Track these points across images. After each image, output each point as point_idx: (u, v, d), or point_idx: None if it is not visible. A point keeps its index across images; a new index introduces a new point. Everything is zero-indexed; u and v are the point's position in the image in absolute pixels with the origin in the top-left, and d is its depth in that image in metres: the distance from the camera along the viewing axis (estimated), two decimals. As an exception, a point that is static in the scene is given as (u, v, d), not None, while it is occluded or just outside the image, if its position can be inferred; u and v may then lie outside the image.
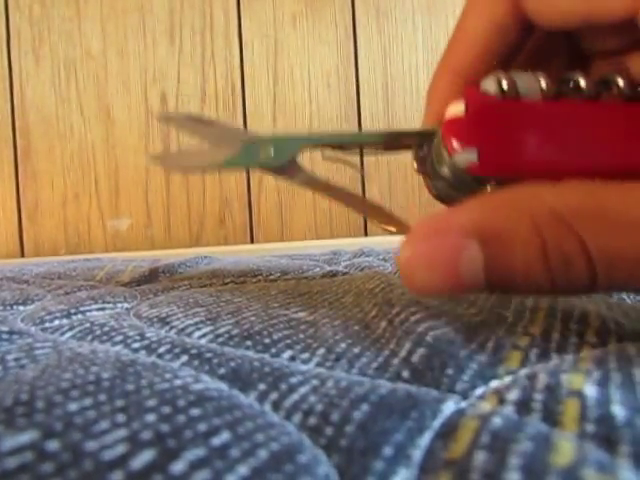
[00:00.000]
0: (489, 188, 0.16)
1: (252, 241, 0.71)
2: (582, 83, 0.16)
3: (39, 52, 0.69)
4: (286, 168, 0.20)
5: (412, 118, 0.73)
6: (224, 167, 0.20)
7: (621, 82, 0.16)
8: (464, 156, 0.16)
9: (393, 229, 0.19)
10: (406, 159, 0.20)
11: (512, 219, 0.14)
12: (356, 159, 0.21)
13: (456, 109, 0.16)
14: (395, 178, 0.69)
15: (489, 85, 0.17)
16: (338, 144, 0.20)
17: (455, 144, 0.16)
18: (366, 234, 0.71)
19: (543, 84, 0.16)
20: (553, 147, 0.15)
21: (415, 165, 0.19)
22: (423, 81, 0.73)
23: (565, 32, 0.19)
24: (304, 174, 0.20)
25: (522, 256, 0.14)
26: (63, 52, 0.69)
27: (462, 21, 0.19)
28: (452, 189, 0.18)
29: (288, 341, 0.15)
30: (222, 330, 0.16)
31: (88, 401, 0.10)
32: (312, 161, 0.20)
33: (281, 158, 0.20)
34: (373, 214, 0.20)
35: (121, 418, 0.10)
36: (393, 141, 0.20)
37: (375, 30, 0.73)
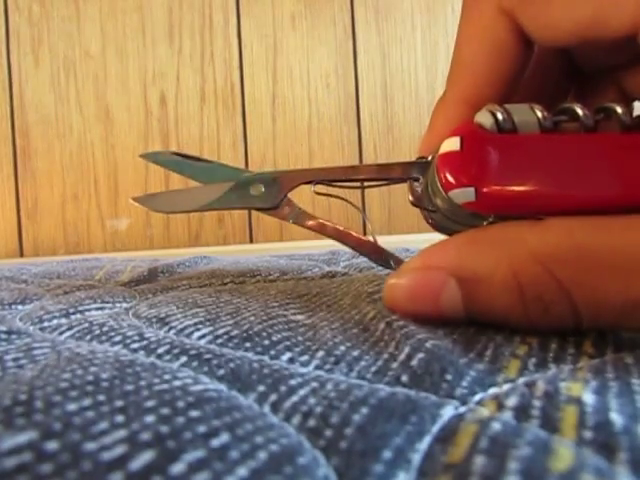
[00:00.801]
0: (485, 223, 0.16)
1: (251, 241, 0.71)
2: (580, 113, 0.16)
3: (38, 52, 0.69)
4: (277, 206, 0.20)
5: (411, 118, 0.73)
6: (210, 208, 0.20)
7: (620, 111, 0.15)
8: (461, 193, 0.15)
9: (390, 265, 0.20)
10: (404, 187, 0.20)
11: (490, 260, 0.14)
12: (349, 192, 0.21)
13: (451, 143, 0.16)
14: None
15: (484, 118, 0.16)
16: (331, 180, 0.20)
17: (451, 180, 0.15)
18: (365, 234, 0.71)
19: (539, 115, 0.16)
20: (552, 181, 0.15)
21: (410, 197, 0.19)
22: (422, 81, 0.73)
23: (563, 49, 0.19)
24: (297, 211, 0.20)
25: (499, 298, 0.14)
26: (62, 52, 0.69)
27: (461, 45, 0.19)
28: (449, 221, 0.17)
29: (287, 343, 0.15)
30: (221, 331, 0.16)
31: (87, 401, 0.10)
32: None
33: (272, 197, 0.20)
34: (369, 252, 0.20)
35: (120, 419, 0.10)
36: (386, 174, 0.19)
37: (374, 30, 0.73)
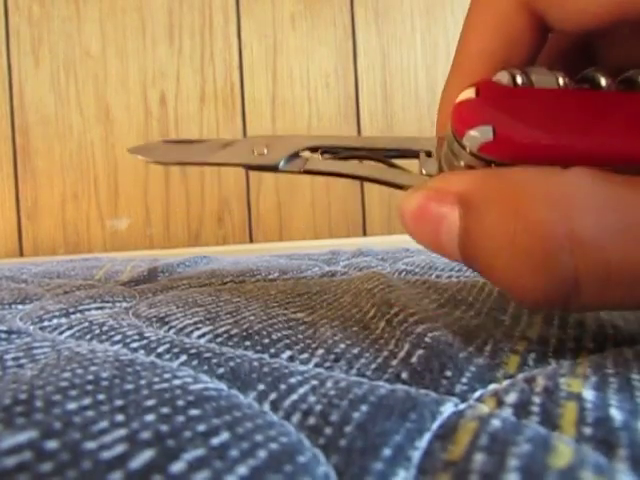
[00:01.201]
0: None
1: (251, 241, 0.71)
2: (602, 82, 0.15)
3: (38, 52, 0.69)
4: (278, 166, 0.18)
5: (411, 118, 0.73)
6: (209, 163, 0.19)
7: None
8: (478, 133, 0.14)
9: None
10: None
11: (497, 193, 0.13)
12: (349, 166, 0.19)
13: (466, 93, 0.15)
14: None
15: (502, 76, 0.15)
16: (340, 147, 0.19)
17: (467, 120, 0.14)
18: (365, 234, 0.71)
19: (560, 81, 0.15)
20: (572, 130, 0.14)
21: (423, 171, 0.17)
22: (422, 81, 0.73)
23: (583, 40, 0.18)
24: (302, 162, 0.19)
25: (492, 237, 0.13)
26: (62, 52, 0.69)
27: (469, 34, 0.18)
28: None
29: (287, 341, 0.15)
30: (221, 330, 0.16)
31: (87, 400, 0.10)
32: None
33: (274, 156, 0.19)
34: (394, 178, 0.18)
35: (120, 418, 0.10)
36: (399, 148, 0.18)
37: (374, 30, 0.73)
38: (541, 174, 0.13)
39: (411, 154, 0.18)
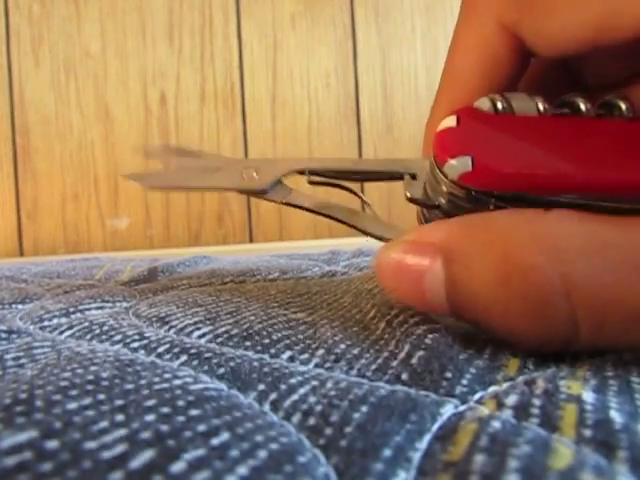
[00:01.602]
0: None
1: (251, 241, 0.71)
2: (582, 107, 0.15)
3: (39, 52, 0.69)
4: (267, 190, 0.19)
5: (411, 118, 0.73)
6: (199, 188, 0.20)
7: (624, 106, 0.15)
8: (457, 163, 0.14)
9: (389, 237, 0.18)
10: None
11: (483, 241, 0.13)
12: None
13: (447, 122, 0.15)
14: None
15: (482, 103, 0.16)
16: (326, 170, 0.19)
17: (447, 150, 0.15)
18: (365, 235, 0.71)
19: (540, 106, 0.15)
20: (551, 159, 0.14)
21: (408, 194, 0.18)
22: (422, 81, 0.73)
23: (564, 61, 0.18)
24: (288, 193, 0.19)
25: (484, 287, 0.13)
26: (62, 52, 0.69)
27: (454, 56, 0.18)
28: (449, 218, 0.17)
29: (287, 341, 0.15)
30: (221, 330, 0.16)
31: (87, 400, 0.10)
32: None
33: (263, 180, 0.19)
34: (368, 227, 0.19)
35: (120, 417, 0.10)
36: (384, 168, 0.19)
37: (374, 30, 0.73)
38: (523, 217, 0.13)
39: (397, 176, 0.18)
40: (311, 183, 0.19)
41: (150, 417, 0.10)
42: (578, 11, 0.14)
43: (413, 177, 0.18)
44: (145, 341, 0.15)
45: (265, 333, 0.16)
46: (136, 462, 0.08)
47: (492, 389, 0.12)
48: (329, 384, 0.12)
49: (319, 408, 0.11)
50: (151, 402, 0.10)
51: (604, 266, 0.11)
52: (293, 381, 0.12)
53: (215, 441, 0.09)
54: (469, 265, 0.13)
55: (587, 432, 0.09)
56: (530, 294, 0.12)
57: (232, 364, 0.13)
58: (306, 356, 0.14)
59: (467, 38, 0.17)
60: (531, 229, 0.12)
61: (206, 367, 0.13)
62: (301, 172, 0.19)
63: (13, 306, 0.23)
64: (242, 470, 0.08)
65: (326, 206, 0.19)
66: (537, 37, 0.16)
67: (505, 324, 0.13)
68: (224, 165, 0.20)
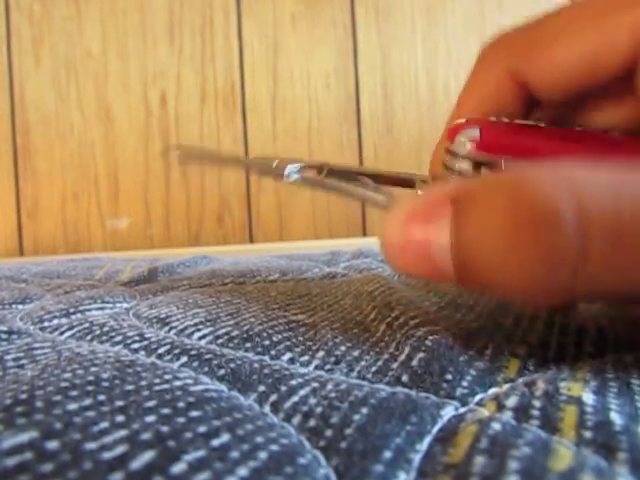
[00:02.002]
0: None
1: (251, 241, 0.71)
2: None
3: (39, 51, 0.69)
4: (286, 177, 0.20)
5: (411, 118, 0.73)
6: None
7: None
8: (465, 135, 0.16)
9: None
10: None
11: (490, 187, 0.12)
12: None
13: (457, 121, 0.17)
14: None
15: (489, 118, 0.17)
16: (342, 172, 0.20)
17: (458, 128, 0.16)
18: (364, 234, 0.71)
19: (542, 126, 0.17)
20: (551, 140, 0.16)
21: (419, 193, 0.19)
22: (422, 81, 0.73)
23: (567, 106, 0.19)
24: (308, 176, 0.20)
25: (490, 230, 0.12)
26: (63, 52, 0.69)
27: (464, 95, 0.19)
28: None
29: (288, 343, 0.15)
30: (222, 331, 0.16)
31: (87, 401, 0.10)
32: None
33: (281, 168, 0.20)
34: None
35: (121, 418, 0.10)
36: (394, 182, 0.19)
37: (374, 30, 0.73)
38: (532, 165, 0.12)
39: (408, 183, 0.19)
40: (305, 181, 0.20)
41: (150, 418, 0.10)
42: (573, 45, 0.16)
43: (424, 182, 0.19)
44: (145, 342, 0.15)
45: (265, 335, 0.16)
46: (136, 463, 0.08)
47: (492, 391, 0.12)
48: (329, 386, 0.12)
49: (319, 410, 0.11)
50: (151, 403, 0.10)
51: (618, 194, 0.11)
52: (293, 383, 0.12)
53: (215, 442, 0.09)
54: (478, 213, 0.12)
55: (587, 434, 0.09)
56: (540, 225, 0.11)
57: (232, 365, 0.13)
58: (306, 358, 0.14)
59: (478, 83, 0.19)
60: (541, 169, 0.12)
61: (206, 368, 0.13)
62: (319, 170, 0.20)
63: (13, 306, 0.23)
64: (242, 471, 0.08)
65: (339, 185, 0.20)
66: (538, 77, 0.17)
67: (504, 273, 0.12)
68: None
